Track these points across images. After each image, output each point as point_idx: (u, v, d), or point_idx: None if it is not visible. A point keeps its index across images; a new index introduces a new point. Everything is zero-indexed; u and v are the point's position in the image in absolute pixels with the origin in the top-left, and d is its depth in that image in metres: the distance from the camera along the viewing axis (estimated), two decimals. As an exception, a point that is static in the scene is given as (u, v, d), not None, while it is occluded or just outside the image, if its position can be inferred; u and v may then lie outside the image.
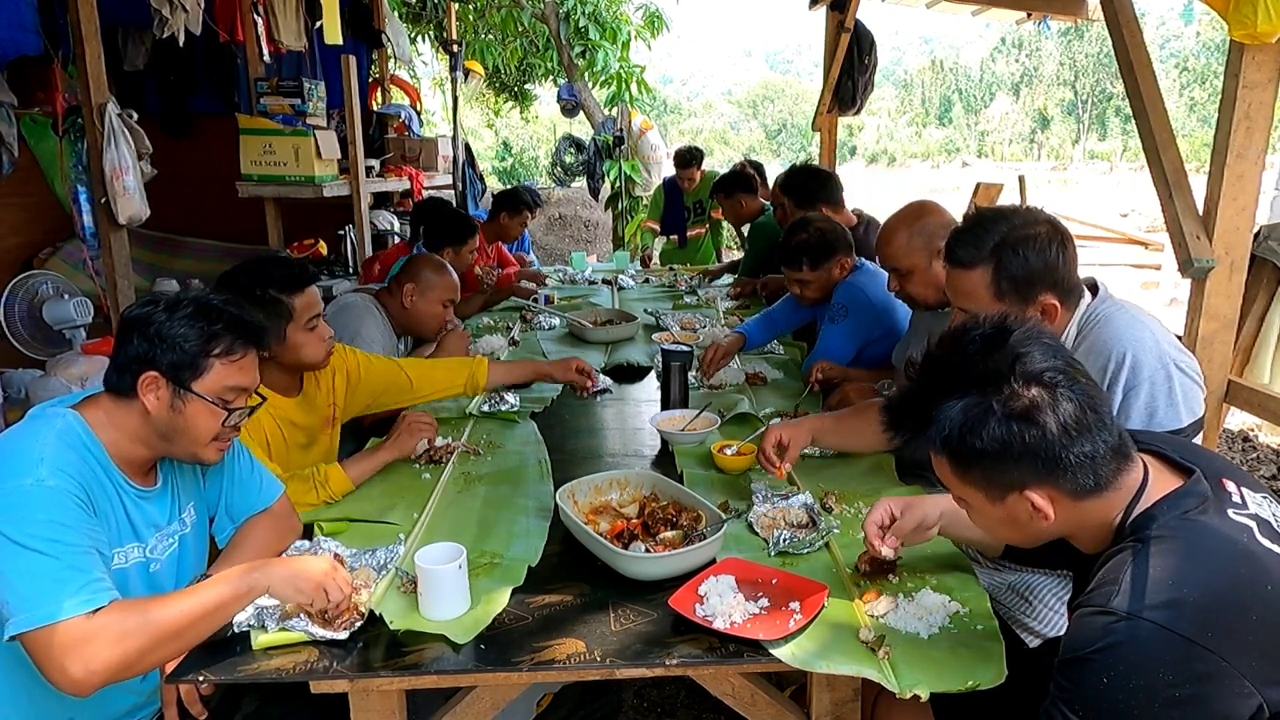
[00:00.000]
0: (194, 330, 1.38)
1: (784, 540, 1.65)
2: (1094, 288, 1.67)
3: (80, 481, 1.32)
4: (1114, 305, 1.64)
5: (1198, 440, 1.59)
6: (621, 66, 10.08)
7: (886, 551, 1.45)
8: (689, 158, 5.80)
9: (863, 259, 2.88)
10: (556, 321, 3.78)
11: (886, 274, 2.88)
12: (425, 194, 5.77)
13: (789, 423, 1.98)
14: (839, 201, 3.43)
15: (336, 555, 1.52)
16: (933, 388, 1.12)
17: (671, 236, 6.15)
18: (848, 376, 2.53)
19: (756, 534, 1.71)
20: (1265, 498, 1.12)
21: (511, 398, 2.57)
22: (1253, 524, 1.05)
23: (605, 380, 2.86)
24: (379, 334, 2.66)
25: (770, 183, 4.88)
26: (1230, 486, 1.11)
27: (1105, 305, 1.63)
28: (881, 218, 2.31)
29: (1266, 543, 1.03)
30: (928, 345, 1.19)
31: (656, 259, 6.10)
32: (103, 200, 3.23)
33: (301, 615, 1.36)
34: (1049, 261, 1.57)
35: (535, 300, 4.18)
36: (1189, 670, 0.94)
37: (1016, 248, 1.56)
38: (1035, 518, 1.09)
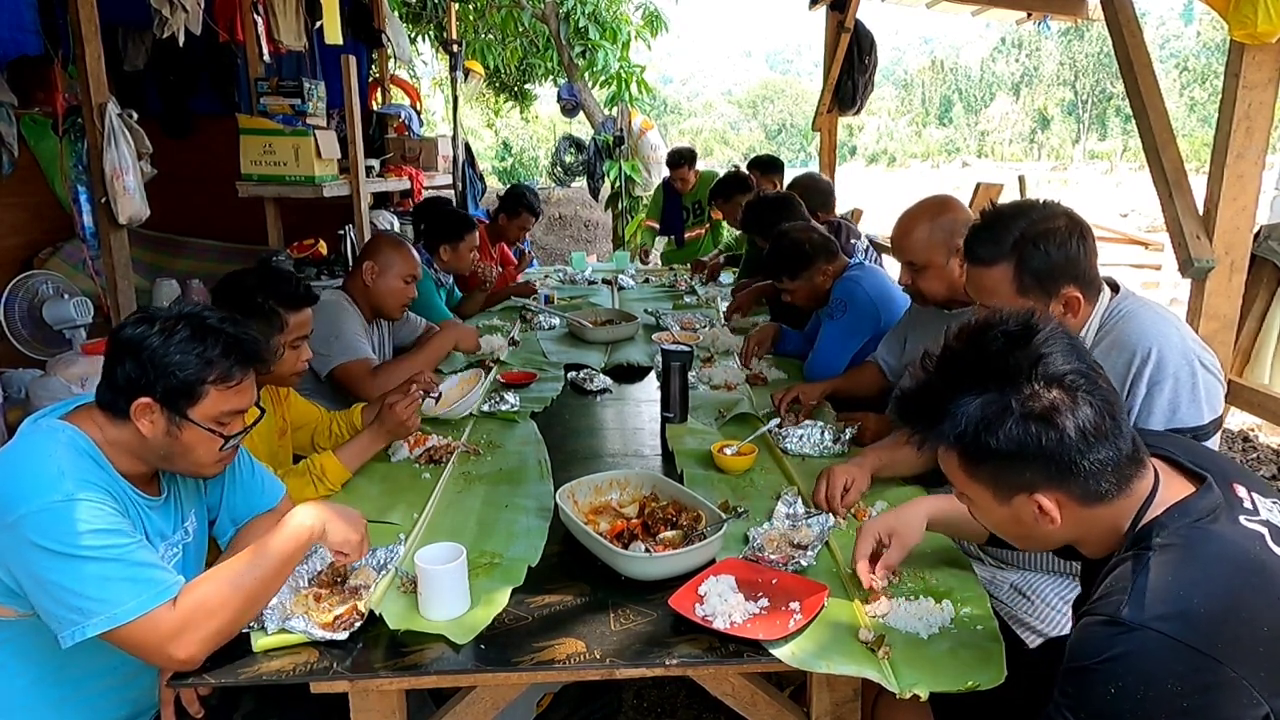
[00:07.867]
0: (190, 357, 1.35)
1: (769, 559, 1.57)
2: (1114, 285, 1.66)
3: (105, 489, 1.31)
4: (1137, 301, 1.63)
5: (1216, 438, 1.58)
6: (621, 66, 10.09)
7: (879, 583, 1.44)
8: (678, 158, 5.75)
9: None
10: (556, 321, 3.78)
11: (880, 271, 2.90)
12: (425, 194, 5.77)
13: (851, 465, 1.86)
14: (805, 218, 3.51)
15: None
16: (949, 382, 1.08)
17: (670, 236, 6.16)
18: (835, 389, 2.53)
19: (759, 553, 1.60)
20: (1276, 503, 1.11)
21: (511, 398, 2.58)
22: (1264, 531, 1.03)
23: (605, 380, 2.87)
24: (357, 325, 2.70)
25: (785, 180, 4.86)
26: (1241, 492, 1.09)
27: (1128, 301, 1.63)
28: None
29: (1278, 550, 1.02)
30: (945, 338, 1.14)
31: (656, 259, 6.09)
32: (103, 200, 3.23)
33: (301, 615, 1.36)
34: (1070, 254, 1.56)
35: (535, 300, 4.18)
36: (1197, 681, 0.93)
37: (1037, 242, 1.55)
38: (1041, 521, 1.08)
